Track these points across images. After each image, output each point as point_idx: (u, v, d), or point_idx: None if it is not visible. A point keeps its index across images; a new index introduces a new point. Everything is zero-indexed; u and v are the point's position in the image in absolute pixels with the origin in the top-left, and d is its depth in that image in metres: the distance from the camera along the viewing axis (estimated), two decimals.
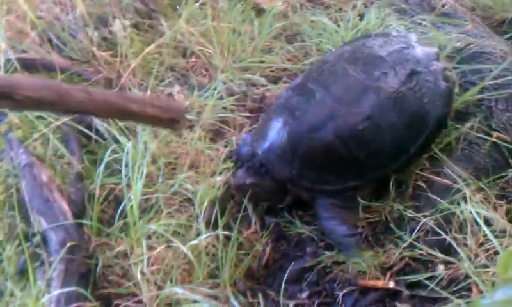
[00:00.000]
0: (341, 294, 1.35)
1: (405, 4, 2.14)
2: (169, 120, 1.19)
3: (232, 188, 1.55)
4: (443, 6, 2.06)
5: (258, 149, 1.53)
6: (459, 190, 1.42)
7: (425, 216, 1.40)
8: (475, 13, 2.14)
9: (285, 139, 1.48)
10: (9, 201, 1.54)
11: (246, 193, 1.52)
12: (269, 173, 1.51)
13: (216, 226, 1.47)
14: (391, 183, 1.48)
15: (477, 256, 1.33)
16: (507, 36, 1.99)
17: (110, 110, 1.15)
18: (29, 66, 1.84)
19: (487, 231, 1.29)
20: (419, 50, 1.60)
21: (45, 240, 1.42)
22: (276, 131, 1.50)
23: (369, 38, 1.71)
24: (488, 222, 1.35)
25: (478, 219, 1.32)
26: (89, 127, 1.73)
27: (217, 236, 1.44)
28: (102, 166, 1.58)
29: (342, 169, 1.47)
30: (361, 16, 2.10)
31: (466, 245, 1.34)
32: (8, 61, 1.80)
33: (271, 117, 1.57)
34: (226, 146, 1.75)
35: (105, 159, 1.60)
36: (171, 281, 1.36)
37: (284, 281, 1.39)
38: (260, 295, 1.38)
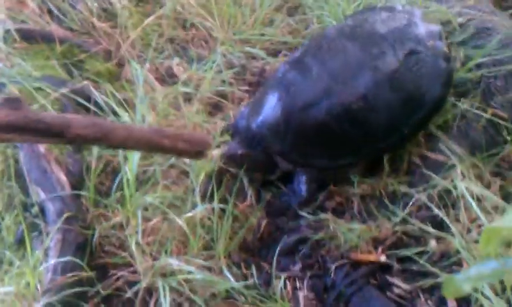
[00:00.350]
0: (333, 267, 1.37)
1: None
2: (197, 152, 1.31)
3: (224, 158, 1.56)
4: None
5: (252, 122, 1.54)
6: (453, 166, 1.42)
7: (418, 192, 1.41)
8: None
9: (278, 114, 1.50)
10: (8, 171, 1.55)
11: (237, 164, 1.54)
12: (261, 145, 1.53)
13: (211, 199, 1.49)
14: (385, 159, 1.49)
15: (469, 231, 1.34)
16: (511, 11, 1.97)
17: (147, 146, 1.26)
18: (28, 36, 1.84)
19: (475, 208, 1.29)
20: (422, 28, 1.58)
21: (43, 211, 1.43)
22: (271, 105, 1.52)
23: (372, 12, 1.70)
24: (479, 199, 1.36)
25: (467, 196, 1.32)
26: (88, 99, 1.73)
27: (212, 209, 1.46)
28: None
29: (334, 146, 1.48)
30: None
31: (458, 220, 1.35)
32: (7, 31, 1.80)
33: (267, 91, 1.58)
34: (224, 120, 1.76)
35: None
36: (166, 253, 1.38)
37: (277, 253, 1.41)
38: (253, 267, 1.40)
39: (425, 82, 1.48)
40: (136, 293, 1.33)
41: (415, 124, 1.48)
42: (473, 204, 1.31)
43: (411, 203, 1.41)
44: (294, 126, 1.48)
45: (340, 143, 1.48)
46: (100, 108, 1.72)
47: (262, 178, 1.59)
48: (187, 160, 1.59)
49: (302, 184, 1.53)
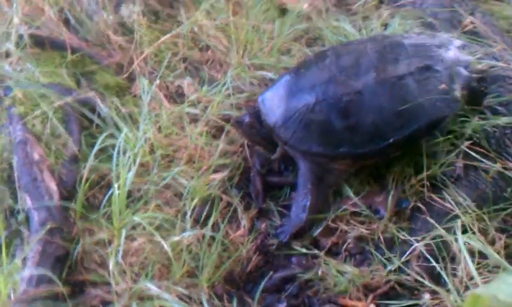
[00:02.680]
0: None
1: (433, 18, 2.05)
2: None
3: (232, 121, 1.65)
4: (472, 23, 1.95)
5: (258, 96, 1.62)
6: (457, 217, 1.34)
7: (417, 240, 1.33)
8: (509, 36, 2.03)
9: (280, 92, 1.54)
10: (2, 175, 1.53)
11: (242, 131, 1.62)
12: (261, 118, 1.57)
13: (203, 225, 1.44)
14: (389, 201, 1.43)
15: (467, 288, 1.25)
16: None
17: None
18: (40, 42, 1.84)
19: (470, 266, 1.21)
20: (452, 54, 1.54)
21: (28, 219, 1.40)
22: (278, 84, 1.58)
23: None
24: (483, 255, 1.27)
25: (465, 252, 1.23)
26: (93, 110, 1.71)
27: (203, 236, 1.41)
28: (95, 149, 1.55)
29: (324, 133, 1.47)
30: (386, 26, 2.03)
31: (456, 276, 1.26)
32: (20, 36, 1.80)
33: (286, 72, 1.65)
34: (229, 144, 1.72)
35: (101, 143, 1.57)
36: (146, 276, 1.33)
37: (262, 289, 1.35)
38: (235, 301, 1.33)
39: (427, 100, 1.43)
40: None
41: (403, 137, 1.43)
42: (469, 261, 1.22)
43: (408, 252, 1.32)
44: (288, 106, 1.51)
45: (328, 132, 1.47)
46: (104, 121, 1.70)
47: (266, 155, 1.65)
48: (183, 181, 1.55)
49: (301, 211, 1.48)
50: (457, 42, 1.62)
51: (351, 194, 1.49)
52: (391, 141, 1.42)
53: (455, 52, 1.55)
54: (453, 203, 1.38)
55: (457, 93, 1.45)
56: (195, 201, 1.50)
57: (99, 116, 1.70)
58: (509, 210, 1.37)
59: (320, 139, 1.48)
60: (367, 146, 1.44)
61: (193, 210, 1.49)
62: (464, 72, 1.50)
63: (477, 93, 1.53)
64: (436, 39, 1.60)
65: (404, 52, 1.52)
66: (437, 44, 1.57)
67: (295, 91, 1.53)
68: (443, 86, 1.44)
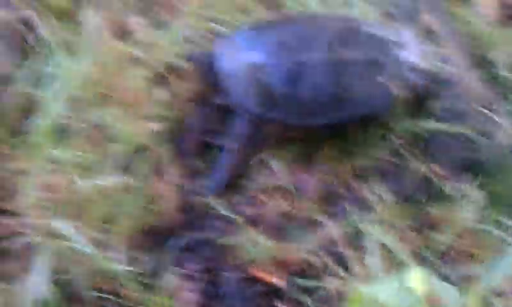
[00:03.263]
0: (229, 277, 1.32)
1: (395, 8, 2.05)
2: None
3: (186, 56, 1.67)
4: (430, 21, 1.96)
5: (217, 39, 1.70)
6: (375, 208, 1.39)
7: (334, 226, 1.36)
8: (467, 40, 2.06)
9: (235, 43, 1.58)
10: None
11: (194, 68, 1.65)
12: None
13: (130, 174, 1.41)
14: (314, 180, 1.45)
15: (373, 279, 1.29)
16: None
17: None
18: None
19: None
20: (405, 53, 1.55)
21: None
22: (237, 34, 1.63)
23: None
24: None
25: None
26: (30, 30, 1.61)
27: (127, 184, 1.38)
28: (24, 71, 1.48)
29: (258, 94, 1.49)
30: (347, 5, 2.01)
31: (364, 263, 1.30)
32: None
33: (248, 25, 1.70)
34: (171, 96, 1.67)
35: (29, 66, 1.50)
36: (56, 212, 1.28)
37: (180, 248, 1.35)
38: (150, 255, 1.32)
39: (364, 92, 1.47)
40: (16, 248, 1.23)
41: (333, 122, 1.48)
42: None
43: (324, 235, 1.36)
44: (238, 58, 1.54)
45: (266, 94, 1.48)
46: (40, 44, 1.61)
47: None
48: (116, 124, 1.50)
49: (224, 169, 1.50)
50: (413, 40, 1.64)
51: (278, 168, 1.49)
52: (320, 121, 1.46)
53: (408, 53, 1.56)
54: (375, 195, 1.41)
55: (397, 93, 1.47)
56: (124, 146, 1.46)
57: (36, 37, 1.61)
58: (426, 211, 1.41)
59: (257, 99, 1.49)
60: (297, 119, 1.47)
61: (122, 156, 1.45)
62: (410, 75, 1.52)
63: (422, 96, 1.56)
64: (395, 35, 1.61)
65: (360, 40, 1.53)
66: (393, 40, 1.57)
67: (248, 46, 1.55)
68: (384, 82, 1.46)
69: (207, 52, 1.65)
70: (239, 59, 1.55)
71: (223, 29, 1.83)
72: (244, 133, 1.52)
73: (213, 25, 1.85)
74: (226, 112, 1.60)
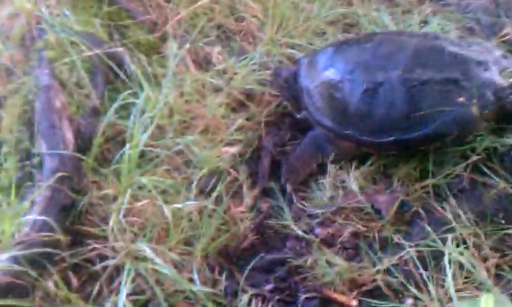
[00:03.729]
0: (303, 297, 1.33)
1: (476, 23, 1.99)
2: None
3: (272, 69, 1.78)
4: None
5: (303, 57, 1.78)
6: (454, 228, 1.34)
7: (411, 245, 1.34)
8: None
9: (318, 60, 1.66)
10: (23, 116, 1.59)
11: (277, 83, 1.74)
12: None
13: (208, 196, 1.47)
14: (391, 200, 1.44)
15: (450, 300, 1.25)
16: None
17: None
18: None
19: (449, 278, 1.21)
20: (488, 74, 1.52)
21: (41, 164, 1.46)
22: (321, 52, 1.70)
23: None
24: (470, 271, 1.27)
25: (450, 264, 1.24)
26: (120, 66, 1.74)
27: (205, 207, 1.44)
28: (116, 104, 1.60)
29: (334, 110, 1.57)
30: (425, 24, 1.98)
31: (443, 286, 1.27)
32: None
33: (333, 43, 1.80)
34: (247, 119, 1.73)
35: (122, 99, 1.62)
36: (144, 237, 1.37)
37: (252, 268, 1.38)
38: (225, 275, 1.37)
39: (438, 111, 1.45)
40: (104, 269, 1.33)
41: (403, 139, 1.48)
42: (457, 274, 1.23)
43: (399, 255, 1.34)
44: (319, 75, 1.62)
45: (341, 111, 1.55)
46: (129, 77, 1.73)
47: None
48: (195, 149, 1.57)
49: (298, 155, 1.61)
50: (498, 55, 1.60)
51: (355, 189, 1.50)
52: (391, 138, 1.48)
53: (492, 73, 1.52)
54: (452, 214, 1.38)
55: (476, 113, 1.44)
56: (203, 171, 1.54)
57: (125, 72, 1.74)
58: (508, 231, 1.35)
59: (332, 115, 1.57)
60: (370, 135, 1.51)
61: (200, 180, 1.52)
62: (492, 94, 1.48)
63: (505, 113, 1.51)
64: (479, 54, 1.57)
65: (441, 59, 1.52)
66: (477, 60, 1.54)
67: (329, 63, 1.61)
68: (461, 99, 1.42)
69: (291, 68, 1.75)
70: (318, 77, 1.62)
71: (298, 54, 1.89)
72: (317, 146, 1.60)
73: (290, 51, 1.91)
74: (302, 131, 1.66)
